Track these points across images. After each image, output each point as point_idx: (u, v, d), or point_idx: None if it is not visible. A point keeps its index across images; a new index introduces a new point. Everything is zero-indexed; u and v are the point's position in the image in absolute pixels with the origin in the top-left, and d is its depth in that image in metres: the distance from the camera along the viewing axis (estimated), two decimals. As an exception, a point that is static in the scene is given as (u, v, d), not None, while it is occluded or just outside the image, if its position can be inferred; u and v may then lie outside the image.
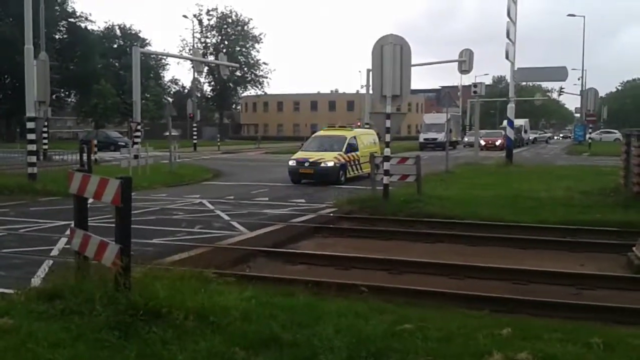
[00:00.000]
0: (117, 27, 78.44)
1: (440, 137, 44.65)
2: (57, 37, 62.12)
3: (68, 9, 64.73)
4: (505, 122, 34.75)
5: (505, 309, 6.57)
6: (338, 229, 12.05)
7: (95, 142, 26.81)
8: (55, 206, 13.86)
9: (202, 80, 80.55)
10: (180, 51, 75.55)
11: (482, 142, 44.96)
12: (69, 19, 64.86)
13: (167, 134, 24.65)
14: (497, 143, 45.24)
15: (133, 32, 78.05)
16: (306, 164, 19.76)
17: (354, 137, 21.38)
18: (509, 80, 31.68)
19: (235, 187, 19.08)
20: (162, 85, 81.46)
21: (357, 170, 20.83)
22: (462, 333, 5.04)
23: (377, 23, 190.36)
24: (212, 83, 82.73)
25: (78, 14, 65.94)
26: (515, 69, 27.64)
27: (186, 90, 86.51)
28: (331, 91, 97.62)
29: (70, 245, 6.65)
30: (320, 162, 19.62)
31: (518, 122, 42.92)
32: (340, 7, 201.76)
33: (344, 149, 20.26)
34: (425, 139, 48.50)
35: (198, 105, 51.91)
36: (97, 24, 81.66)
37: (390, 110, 13.94)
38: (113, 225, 5.35)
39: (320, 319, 5.28)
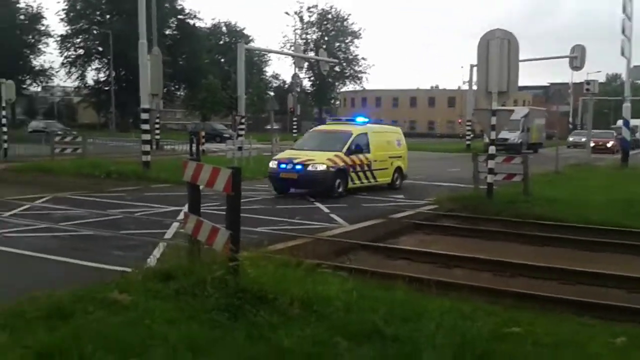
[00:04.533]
0: (223, 25, 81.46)
1: (513, 137, 36.32)
2: (167, 33, 65.29)
3: (177, 7, 67.82)
4: (619, 122, 32.42)
5: (620, 318, 6.19)
6: (439, 227, 11.84)
7: (202, 133, 27.96)
8: (166, 192, 14.67)
9: (301, 75, 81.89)
10: (282, 47, 77.26)
11: (592, 144, 41.08)
12: (179, 16, 67.98)
13: (269, 127, 25.29)
14: (609, 145, 39.52)
15: (238, 29, 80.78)
16: (289, 167, 14.77)
17: (364, 135, 15.70)
18: (624, 78, 29.67)
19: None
20: (265, 80, 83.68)
21: (365, 178, 15.47)
22: (573, 340, 4.82)
23: (476, 18, 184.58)
24: (312, 78, 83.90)
25: (187, 11, 68.94)
26: (632, 66, 26.17)
27: (286, 85, 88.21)
28: (431, 87, 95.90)
29: (183, 229, 7.01)
30: (308, 165, 14.47)
31: (634, 122, 39.13)
32: (440, 2, 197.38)
33: (344, 149, 14.92)
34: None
35: (298, 100, 52.80)
36: (205, 21, 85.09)
37: (496, 107, 13.50)
38: (220, 212, 5.54)
39: (422, 315, 5.21)
